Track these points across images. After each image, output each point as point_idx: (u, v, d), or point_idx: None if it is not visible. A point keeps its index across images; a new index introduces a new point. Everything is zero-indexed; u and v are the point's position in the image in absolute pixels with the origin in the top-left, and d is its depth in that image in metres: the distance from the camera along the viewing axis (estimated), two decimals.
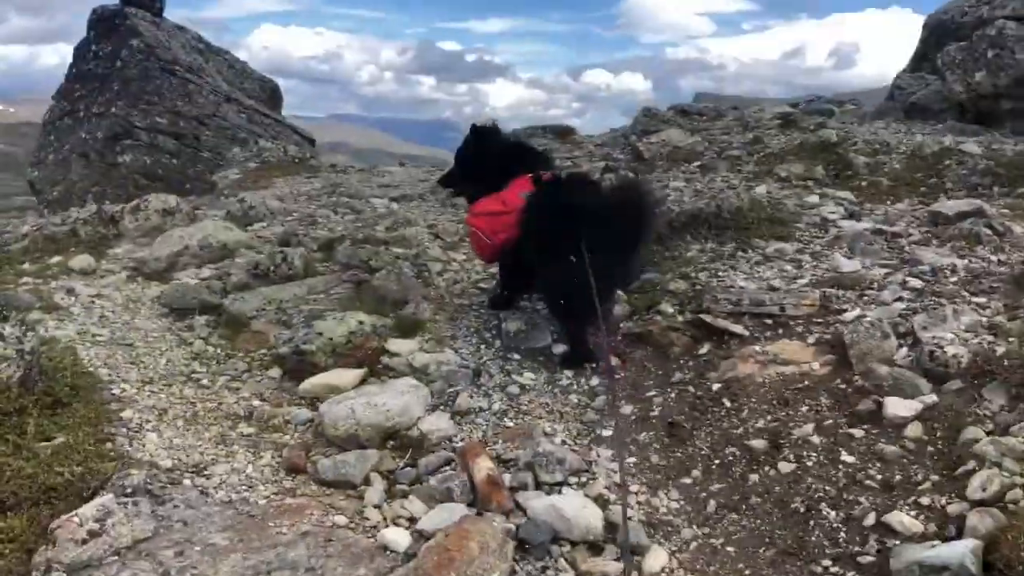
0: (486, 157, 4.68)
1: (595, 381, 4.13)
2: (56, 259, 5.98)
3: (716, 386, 3.83)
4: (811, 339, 4.01)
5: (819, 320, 4.19)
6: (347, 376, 4.01)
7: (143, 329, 4.64)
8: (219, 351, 4.42)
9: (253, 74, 20.04)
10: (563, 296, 4.14)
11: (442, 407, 3.82)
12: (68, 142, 17.23)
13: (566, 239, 3.93)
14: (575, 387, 4.14)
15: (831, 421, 3.36)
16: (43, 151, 17.87)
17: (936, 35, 11.11)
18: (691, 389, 3.90)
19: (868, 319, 3.89)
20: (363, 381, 4.01)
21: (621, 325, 4.54)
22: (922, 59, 11.45)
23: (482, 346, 4.53)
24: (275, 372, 4.19)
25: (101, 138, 16.30)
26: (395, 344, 4.40)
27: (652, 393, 3.98)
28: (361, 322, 4.42)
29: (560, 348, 4.44)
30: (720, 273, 5.01)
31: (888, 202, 6.46)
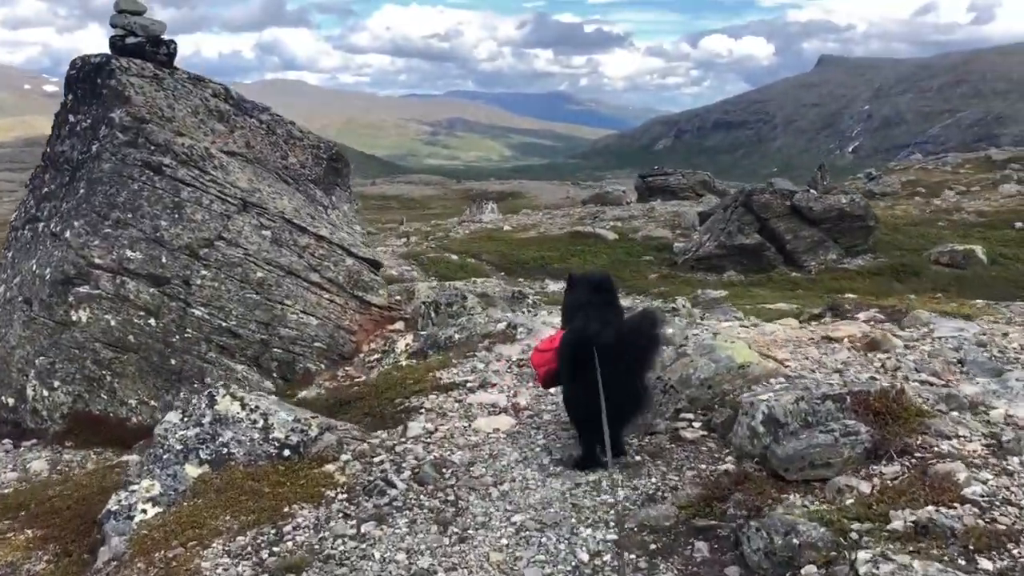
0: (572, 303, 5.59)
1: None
2: None
3: None
4: None
5: None
6: None
7: None
8: None
9: (304, 139, 13.61)
10: (576, 409, 5.16)
11: None
12: (20, 271, 11.48)
13: (581, 365, 4.82)
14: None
15: None
16: None
17: None
18: None
19: None
20: None
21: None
22: None
23: None
24: None
25: (49, 280, 10.40)
26: None
27: None
28: None
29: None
30: None
31: None
